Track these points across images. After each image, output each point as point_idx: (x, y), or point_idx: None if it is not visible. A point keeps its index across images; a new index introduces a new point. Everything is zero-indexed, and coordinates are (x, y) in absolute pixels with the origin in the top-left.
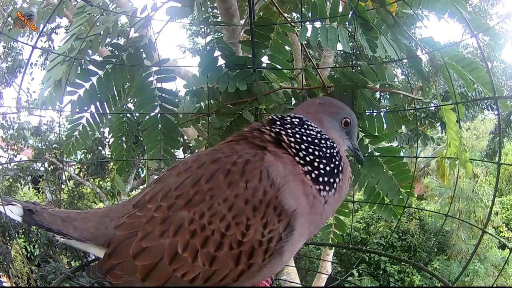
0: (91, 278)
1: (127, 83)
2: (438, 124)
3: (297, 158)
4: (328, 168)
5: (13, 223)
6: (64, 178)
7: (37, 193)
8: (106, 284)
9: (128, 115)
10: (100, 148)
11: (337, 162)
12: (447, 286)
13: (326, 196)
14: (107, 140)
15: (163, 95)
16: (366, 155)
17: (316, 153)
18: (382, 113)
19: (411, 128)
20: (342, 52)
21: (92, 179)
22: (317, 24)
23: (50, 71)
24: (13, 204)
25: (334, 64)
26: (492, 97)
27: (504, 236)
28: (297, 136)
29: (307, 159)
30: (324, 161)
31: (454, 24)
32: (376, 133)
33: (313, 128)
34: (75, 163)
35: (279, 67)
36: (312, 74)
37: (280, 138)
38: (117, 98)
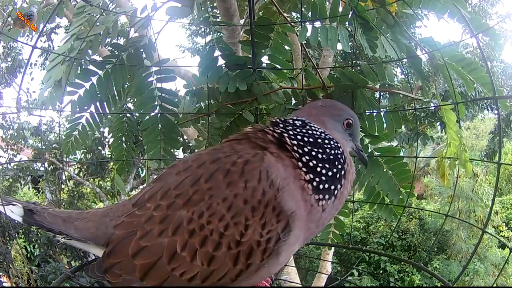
0: (90, 277)
1: (127, 83)
2: (438, 123)
3: (300, 164)
4: (330, 173)
5: (13, 223)
6: (64, 178)
7: (37, 193)
8: (105, 284)
9: (128, 115)
10: (100, 148)
11: (340, 165)
12: (447, 285)
13: (325, 205)
14: (107, 140)
15: (163, 95)
16: (366, 155)
17: (320, 156)
18: (382, 113)
19: (411, 127)
20: (342, 52)
21: (92, 179)
22: (317, 24)
23: (50, 71)
24: (14, 204)
25: (334, 64)
26: (492, 97)
27: (504, 236)
28: (299, 137)
29: (310, 164)
30: (327, 165)
31: (454, 24)
32: (376, 133)
33: (316, 129)
34: (75, 163)
35: (279, 67)
36: (312, 74)
37: (283, 139)
38: (117, 98)
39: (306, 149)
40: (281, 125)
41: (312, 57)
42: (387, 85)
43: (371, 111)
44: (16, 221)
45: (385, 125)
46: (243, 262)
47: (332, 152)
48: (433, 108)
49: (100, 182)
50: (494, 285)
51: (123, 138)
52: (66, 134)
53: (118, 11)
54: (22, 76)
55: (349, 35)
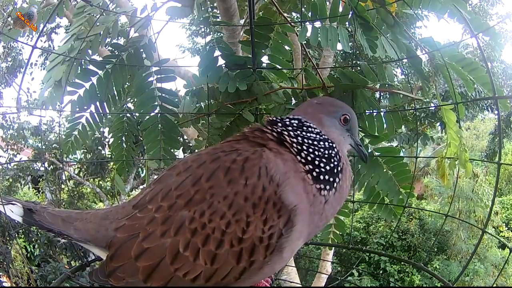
0: (93, 281)
1: (127, 83)
2: (438, 124)
3: (298, 157)
4: (328, 168)
5: (13, 223)
6: (64, 178)
7: (37, 193)
8: (106, 284)
9: (128, 115)
10: (100, 148)
11: (336, 162)
12: (447, 286)
13: (327, 196)
14: (107, 140)
15: (163, 95)
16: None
17: (316, 152)
18: (382, 113)
19: (411, 128)
20: (342, 52)
21: (92, 179)
22: (317, 24)
23: (50, 71)
24: (13, 204)
25: (334, 64)
26: (492, 97)
27: (504, 236)
28: (299, 138)
29: (308, 158)
30: (324, 160)
31: (454, 24)
32: (376, 133)
33: (313, 129)
34: (75, 163)
35: (279, 67)
36: (312, 74)
37: (283, 137)
38: (117, 98)
39: (304, 146)
40: (279, 124)
41: (312, 57)
42: (387, 85)
43: (371, 111)
44: (16, 221)
45: (385, 125)
46: (246, 260)
47: (327, 152)
48: (433, 108)
49: (100, 182)
50: (494, 285)
51: (123, 138)
52: (66, 134)
53: (118, 11)
54: (22, 76)
55: (349, 35)
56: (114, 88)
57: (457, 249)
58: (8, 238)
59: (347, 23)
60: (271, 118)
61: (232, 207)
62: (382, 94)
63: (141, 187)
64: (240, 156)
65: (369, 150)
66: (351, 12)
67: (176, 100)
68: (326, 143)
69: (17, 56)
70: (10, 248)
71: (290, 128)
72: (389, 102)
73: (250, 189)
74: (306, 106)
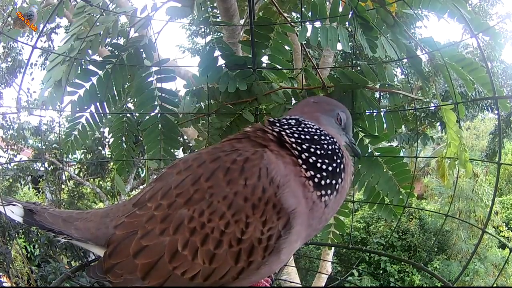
0: (91, 277)
1: (127, 83)
2: (438, 124)
3: (300, 161)
4: (330, 168)
5: (13, 223)
6: (64, 178)
7: (37, 193)
8: (106, 284)
9: (128, 115)
10: (100, 148)
11: (339, 159)
12: (447, 286)
13: (327, 201)
14: (107, 140)
15: (163, 95)
16: (366, 155)
17: (318, 152)
18: (382, 113)
19: (411, 128)
20: (342, 52)
21: (92, 179)
22: (317, 24)
23: (50, 71)
24: (14, 204)
25: (334, 64)
26: (492, 97)
27: (504, 236)
28: (296, 135)
29: (310, 160)
30: (326, 160)
31: (454, 24)
32: (376, 133)
33: (311, 126)
34: (75, 163)
35: (279, 67)
36: (312, 74)
37: (282, 138)
38: (117, 98)
39: (304, 146)
40: (277, 124)
41: (312, 57)
42: (387, 85)
43: (371, 111)
44: (16, 221)
45: (385, 125)
46: (245, 260)
47: (330, 147)
48: (433, 108)
49: (100, 182)
50: (494, 285)
51: (123, 138)
52: (66, 134)
53: (118, 11)
54: (22, 76)
55: (349, 35)
56: (114, 88)
57: (457, 249)
58: (8, 238)
59: (347, 23)
60: (270, 119)
61: (231, 207)
62: (382, 94)
63: (141, 187)
64: (240, 157)
65: (369, 150)
66: (351, 12)
67: (176, 100)
68: (328, 138)
69: (17, 56)
70: (10, 248)
71: (286, 127)
72: (389, 102)
73: (250, 189)
74: (302, 105)
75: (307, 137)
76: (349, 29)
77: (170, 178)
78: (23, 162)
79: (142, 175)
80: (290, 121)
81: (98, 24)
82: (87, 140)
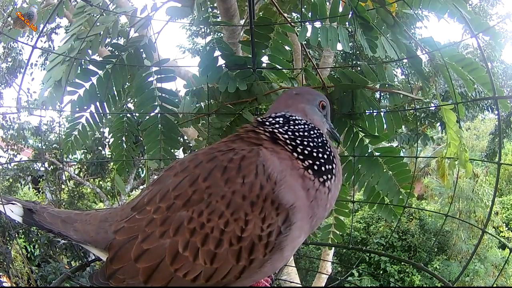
0: (94, 284)
1: (127, 83)
2: (438, 124)
3: (295, 154)
4: (325, 156)
5: (13, 223)
6: (64, 178)
7: (37, 193)
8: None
9: (128, 115)
10: (100, 148)
11: (329, 149)
12: (447, 286)
13: (330, 185)
14: (107, 140)
15: (163, 95)
16: (366, 155)
17: (311, 144)
18: (382, 113)
19: (411, 128)
20: (342, 52)
21: (92, 179)
22: (317, 24)
23: (50, 71)
24: (13, 204)
25: (334, 64)
26: (492, 97)
27: (504, 236)
28: (289, 133)
29: (305, 152)
30: (320, 150)
31: (454, 24)
32: (376, 133)
33: (299, 121)
34: (75, 163)
35: (279, 67)
36: (312, 74)
37: (275, 136)
38: (117, 98)
39: (298, 141)
40: (267, 124)
41: (312, 57)
42: (387, 85)
43: (371, 111)
44: (16, 221)
45: (385, 125)
46: (246, 258)
47: (319, 140)
48: (433, 108)
49: (100, 182)
50: (494, 285)
51: (123, 138)
52: (66, 134)
53: (118, 11)
54: (22, 76)
55: (349, 35)
56: (114, 88)
57: (457, 249)
58: (8, 238)
59: (347, 23)
60: (259, 119)
61: (230, 206)
62: (382, 94)
63: (141, 187)
64: (236, 155)
65: (369, 150)
66: (351, 12)
67: (176, 100)
68: (315, 131)
69: (17, 56)
70: (10, 248)
71: (278, 126)
72: (389, 102)
73: (248, 187)
74: (285, 98)
75: (299, 133)
76: (349, 29)
77: (167, 180)
78: (23, 162)
79: (142, 175)
80: (277, 119)
81: (98, 24)
82: (87, 140)
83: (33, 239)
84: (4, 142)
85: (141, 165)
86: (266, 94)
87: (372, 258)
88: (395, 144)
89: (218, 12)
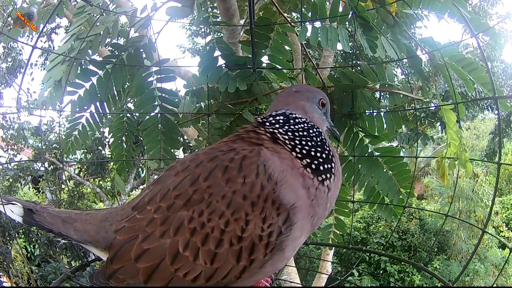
0: (94, 284)
1: (127, 83)
2: (438, 124)
3: (294, 153)
4: (324, 155)
5: (13, 223)
6: (64, 178)
7: (37, 193)
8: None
9: (128, 115)
10: (100, 148)
11: (328, 148)
12: (447, 286)
13: (329, 184)
14: (107, 140)
15: (163, 95)
16: (366, 155)
17: (310, 143)
18: (382, 113)
19: (411, 128)
20: (342, 52)
21: (92, 179)
22: (317, 24)
23: (50, 71)
24: (14, 204)
25: (334, 64)
26: (492, 97)
27: (504, 236)
28: (289, 134)
29: (304, 151)
30: (319, 149)
31: (454, 24)
32: (376, 133)
33: (299, 120)
34: (75, 163)
35: (279, 67)
36: (312, 74)
37: (276, 136)
38: (117, 98)
39: (296, 141)
40: (267, 124)
41: (312, 57)
42: (387, 85)
43: (371, 111)
44: (16, 221)
45: (385, 125)
46: (246, 258)
47: (318, 139)
48: (433, 108)
49: (100, 182)
50: (494, 285)
51: (123, 138)
52: (66, 134)
53: (118, 11)
54: (22, 76)
55: (349, 35)
56: (114, 88)
57: (457, 249)
58: (8, 238)
59: (347, 23)
60: (259, 120)
61: (230, 206)
62: (382, 94)
63: (141, 187)
64: (237, 155)
65: (369, 150)
66: (351, 12)
67: (176, 100)
68: (314, 130)
69: (17, 56)
70: (10, 248)
71: (278, 126)
72: (389, 102)
73: (249, 187)
74: (285, 96)
75: (299, 133)
76: (349, 29)
77: (168, 180)
78: (23, 162)
79: (142, 175)
80: (278, 117)
81: (98, 24)
82: (87, 140)
83: (33, 239)
84: (4, 142)
85: (141, 165)
86: (266, 94)
87: (372, 258)
88: (395, 144)
89: (218, 12)
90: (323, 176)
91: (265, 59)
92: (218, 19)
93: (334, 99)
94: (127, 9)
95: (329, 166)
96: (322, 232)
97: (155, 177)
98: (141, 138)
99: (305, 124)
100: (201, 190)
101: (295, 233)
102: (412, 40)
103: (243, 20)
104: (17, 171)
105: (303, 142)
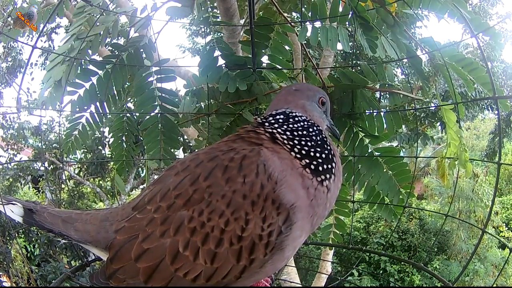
0: (94, 284)
1: (127, 83)
2: (438, 124)
3: (293, 153)
4: (323, 155)
5: (13, 223)
6: (64, 177)
7: (37, 192)
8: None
9: (128, 115)
10: (100, 148)
11: (328, 147)
12: (447, 286)
13: (329, 185)
14: (107, 140)
15: (163, 95)
16: (366, 155)
17: (309, 143)
18: (382, 113)
19: (411, 128)
20: (342, 52)
21: (92, 179)
22: (317, 24)
23: (50, 71)
24: (14, 204)
25: (334, 64)
26: (492, 97)
27: (504, 236)
28: (288, 132)
29: (303, 152)
30: (318, 149)
31: (454, 24)
32: (376, 133)
33: (299, 119)
34: (75, 163)
35: (279, 67)
36: (312, 74)
37: (275, 136)
38: (117, 98)
39: (296, 141)
40: (266, 124)
41: (312, 57)
42: (387, 85)
43: (371, 111)
44: (16, 221)
45: (385, 125)
46: (246, 258)
47: (318, 138)
48: (433, 108)
49: (100, 182)
50: (494, 285)
51: (123, 138)
52: (66, 134)
53: (118, 11)
54: (22, 76)
55: (349, 35)
56: (114, 88)
57: (457, 249)
58: (8, 238)
59: (347, 23)
60: (259, 120)
61: (230, 205)
62: (382, 94)
63: (141, 187)
64: (237, 155)
65: (369, 150)
66: (351, 12)
67: (176, 100)
68: (315, 128)
69: (17, 56)
70: (10, 248)
71: (277, 125)
72: (389, 102)
73: (249, 187)
74: (285, 94)
75: (298, 132)
76: (349, 29)
77: (168, 179)
78: (23, 161)
79: (142, 175)
80: (277, 117)
81: (98, 24)
82: (87, 140)
83: (33, 239)
84: (4, 142)
85: (141, 165)
86: (266, 94)
87: (372, 258)
88: (395, 144)
89: (218, 12)
90: (322, 177)
91: (265, 59)
92: (218, 19)
93: (334, 99)
94: (127, 9)
95: (329, 166)
96: (322, 232)
97: (155, 177)
98: (141, 138)
99: (305, 123)
100: (201, 190)
101: (295, 233)
102: (412, 40)
103: (243, 20)
104: (17, 171)
105: (303, 142)
